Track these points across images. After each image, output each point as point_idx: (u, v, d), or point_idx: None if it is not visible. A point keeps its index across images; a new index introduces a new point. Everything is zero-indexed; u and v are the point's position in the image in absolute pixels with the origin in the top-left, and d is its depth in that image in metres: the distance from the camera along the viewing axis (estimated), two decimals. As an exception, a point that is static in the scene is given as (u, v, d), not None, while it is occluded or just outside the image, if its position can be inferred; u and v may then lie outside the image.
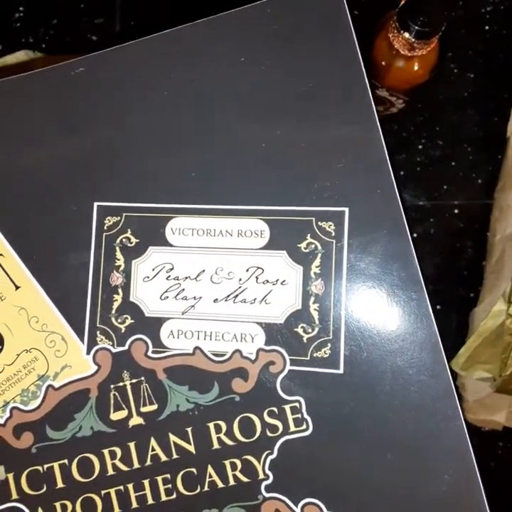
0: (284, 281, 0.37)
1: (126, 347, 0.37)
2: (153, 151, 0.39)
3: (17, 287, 0.38)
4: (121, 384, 0.37)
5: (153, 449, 0.37)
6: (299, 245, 0.37)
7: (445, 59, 0.57)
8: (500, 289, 0.50)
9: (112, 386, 0.37)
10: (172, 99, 0.39)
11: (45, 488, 0.37)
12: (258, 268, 0.37)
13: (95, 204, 0.39)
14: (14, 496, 0.37)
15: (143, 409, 0.37)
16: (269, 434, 0.36)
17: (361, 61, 0.36)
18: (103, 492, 0.37)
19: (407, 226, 0.35)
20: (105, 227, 0.38)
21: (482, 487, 0.34)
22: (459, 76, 0.58)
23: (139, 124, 0.39)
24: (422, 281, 0.34)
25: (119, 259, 0.38)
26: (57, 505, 0.36)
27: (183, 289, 0.38)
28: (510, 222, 0.51)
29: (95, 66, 0.39)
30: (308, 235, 0.37)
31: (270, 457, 0.36)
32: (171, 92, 0.39)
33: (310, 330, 0.36)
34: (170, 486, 0.36)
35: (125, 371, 0.37)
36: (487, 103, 0.57)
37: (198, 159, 0.39)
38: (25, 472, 0.37)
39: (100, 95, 0.39)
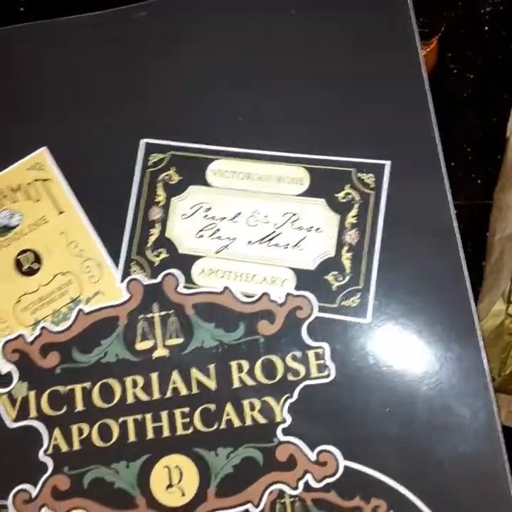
0: (319, 228, 0.36)
1: (158, 280, 0.37)
2: (203, 93, 0.39)
3: (60, 212, 0.38)
4: (149, 315, 0.36)
5: (174, 382, 0.36)
6: (337, 195, 0.36)
7: (445, 59, 0.55)
8: (500, 289, 0.48)
9: (140, 316, 0.37)
10: (225, 43, 0.38)
11: (64, 410, 0.36)
12: (294, 214, 0.36)
13: (143, 140, 0.38)
14: (33, 413, 0.36)
15: (168, 342, 0.36)
16: (290, 377, 0.35)
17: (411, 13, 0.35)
18: (121, 419, 0.36)
19: (447, 182, 0.34)
20: (150, 163, 0.38)
21: (504, 447, 0.32)
22: (458, 76, 0.56)
23: (190, 65, 0.39)
24: (458, 234, 0.33)
25: (159, 195, 0.38)
26: (75, 427, 0.36)
27: (219, 229, 0.37)
28: (509, 222, 0.50)
29: (156, 11, 0.39)
30: (348, 185, 0.36)
31: (289, 401, 0.35)
32: (222, 36, 0.38)
33: (340, 278, 0.35)
34: (187, 420, 0.35)
35: (155, 303, 0.37)
36: (487, 103, 0.56)
37: (245, 104, 0.38)
38: (47, 391, 0.36)
39: (157, 38, 0.39)
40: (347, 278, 0.36)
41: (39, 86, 0.41)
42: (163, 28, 0.41)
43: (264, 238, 0.37)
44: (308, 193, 0.37)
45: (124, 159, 0.39)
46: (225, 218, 0.38)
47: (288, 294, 0.37)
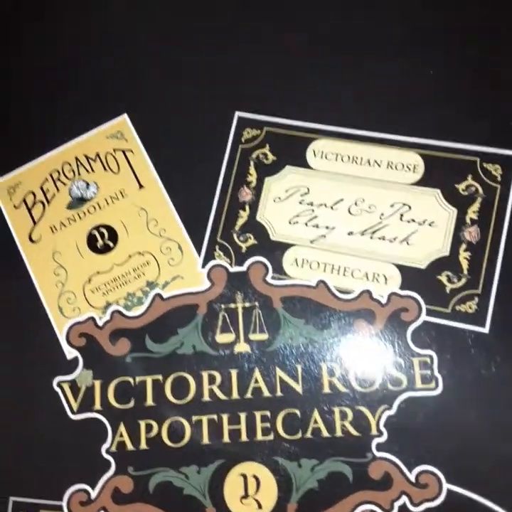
0: (433, 222, 0.31)
1: (244, 268, 0.32)
2: (306, 64, 0.34)
3: (141, 186, 0.33)
4: (232, 305, 0.32)
5: (256, 381, 0.31)
6: (456, 186, 0.31)
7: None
8: None
9: (222, 306, 0.32)
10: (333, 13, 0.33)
11: (132, 403, 0.31)
12: (405, 205, 0.31)
13: (236, 113, 0.34)
14: (97, 406, 0.32)
15: (251, 337, 0.31)
16: (390, 386, 0.30)
17: None
18: (194, 418, 0.31)
19: None
20: (243, 140, 0.33)
21: None
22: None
23: (295, 33, 0.34)
24: None
25: (251, 175, 0.33)
26: (142, 423, 0.31)
27: (316, 216, 0.32)
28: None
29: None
30: (470, 176, 0.31)
31: (387, 413, 0.30)
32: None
33: (456, 280, 0.30)
34: (268, 424, 0.31)
35: (239, 293, 0.32)
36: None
37: (352, 79, 0.34)
38: (115, 382, 0.32)
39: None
40: (463, 280, 0.31)
41: (119, 48, 0.36)
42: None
43: (367, 229, 0.32)
44: (422, 182, 0.32)
45: (214, 133, 0.35)
46: (324, 204, 0.33)
47: (392, 294, 0.32)
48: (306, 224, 0.33)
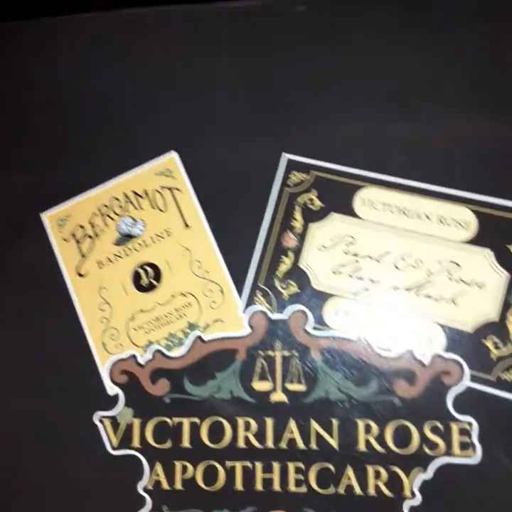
0: (483, 284, 0.29)
1: (285, 316, 0.31)
2: (358, 109, 0.32)
3: (187, 225, 0.33)
4: (271, 353, 0.31)
5: (291, 432, 0.31)
6: (508, 246, 0.29)
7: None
8: None
9: (261, 353, 0.32)
10: (387, 57, 0.31)
11: (169, 444, 0.32)
12: (454, 263, 0.30)
13: (285, 155, 0.32)
14: (136, 443, 0.32)
15: (289, 386, 0.31)
16: (426, 450, 0.29)
17: None
18: (228, 464, 0.31)
19: None
20: (290, 183, 0.32)
21: None
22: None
23: (347, 75, 0.32)
24: None
25: (296, 220, 0.32)
26: (178, 464, 0.31)
27: (361, 268, 0.31)
28: None
29: (320, 6, 0.32)
30: (524, 237, 0.29)
31: (422, 476, 0.29)
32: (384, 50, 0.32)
33: (502, 347, 0.29)
34: (302, 477, 0.30)
35: (278, 341, 0.31)
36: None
37: (406, 127, 0.32)
38: (153, 421, 0.32)
39: (317, 37, 0.33)
40: (511, 347, 0.29)
41: (169, 84, 0.36)
42: (320, 28, 0.34)
43: (413, 286, 0.31)
44: (474, 240, 0.31)
45: (262, 174, 0.34)
46: (369, 256, 0.32)
47: (435, 355, 0.31)
48: (350, 275, 0.32)
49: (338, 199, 0.33)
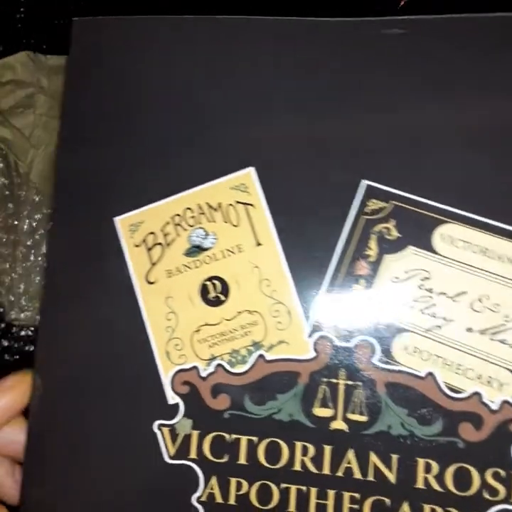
0: (562, 335, 0.27)
1: (351, 344, 0.30)
2: (444, 143, 0.31)
3: (258, 243, 0.32)
4: (334, 381, 0.31)
5: (348, 462, 0.30)
6: None
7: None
8: None
9: (324, 379, 0.31)
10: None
11: (226, 459, 0.31)
12: (533, 310, 0.28)
13: (363, 182, 0.31)
14: (193, 454, 0.32)
15: (350, 416, 0.30)
16: (485, 495, 0.29)
17: None
18: (283, 485, 0.31)
19: None
20: (367, 210, 0.31)
21: None
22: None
23: (433, 113, 0.31)
24: None
25: (371, 249, 0.31)
26: (233, 481, 0.31)
27: (434, 305, 0.30)
28: None
29: (417, 30, 0.30)
30: None
31: None
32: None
33: None
34: (357, 506, 0.30)
35: (342, 369, 0.31)
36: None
37: (494, 166, 0.30)
38: (211, 435, 0.32)
39: (412, 64, 0.31)
40: None
41: (254, 102, 0.34)
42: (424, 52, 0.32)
43: (488, 329, 0.30)
44: (558, 290, 0.29)
45: (339, 198, 0.33)
46: (444, 294, 0.31)
47: (505, 402, 0.30)
48: (423, 311, 0.31)
49: (417, 232, 0.32)
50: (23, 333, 0.48)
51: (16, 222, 0.50)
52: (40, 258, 0.50)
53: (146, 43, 0.36)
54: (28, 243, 0.50)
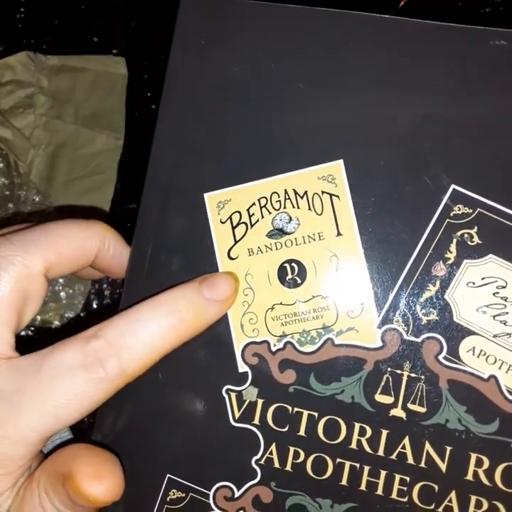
0: None
1: (419, 339, 0.28)
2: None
3: (339, 234, 0.29)
4: (398, 371, 0.29)
5: (403, 447, 0.28)
6: None
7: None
8: None
9: (388, 369, 0.29)
10: None
11: (286, 429, 0.30)
12: None
13: (452, 187, 0.28)
14: (256, 420, 0.30)
15: (409, 406, 0.28)
16: None
17: None
18: (338, 460, 0.29)
19: None
20: (452, 214, 0.28)
21: None
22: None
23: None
24: None
25: (451, 252, 0.28)
26: (291, 449, 0.30)
27: (507, 313, 0.28)
28: None
29: None
30: None
31: None
32: None
33: None
34: (405, 488, 0.28)
35: (408, 362, 0.29)
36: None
37: None
38: (275, 405, 0.30)
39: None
40: None
41: (345, 97, 0.31)
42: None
43: (558, 343, 0.27)
44: None
45: (424, 199, 0.30)
46: (518, 304, 0.28)
47: None
48: (494, 317, 0.29)
49: (499, 241, 0.29)
50: (23, 333, 0.44)
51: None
52: None
53: (248, 27, 0.33)
54: None
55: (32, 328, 0.43)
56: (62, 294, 0.43)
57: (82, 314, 0.42)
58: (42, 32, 0.48)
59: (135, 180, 0.43)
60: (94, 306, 0.42)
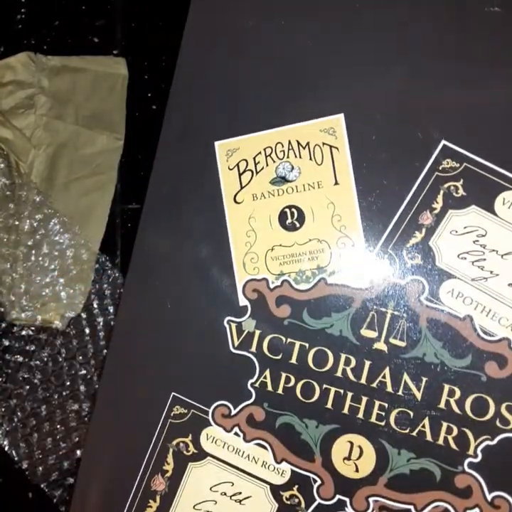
0: None
1: (404, 281, 0.29)
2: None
3: (336, 183, 0.29)
4: (383, 309, 0.29)
5: (383, 377, 0.29)
6: None
7: None
8: None
9: (374, 307, 0.29)
10: None
11: (280, 356, 0.31)
12: None
13: (442, 142, 0.28)
14: (253, 349, 0.31)
15: (391, 340, 0.29)
16: (498, 423, 0.28)
17: None
18: (324, 386, 0.30)
19: None
20: (440, 168, 0.28)
21: None
22: None
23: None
24: None
25: (438, 203, 0.28)
26: (283, 375, 0.30)
27: (485, 259, 0.28)
28: None
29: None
30: None
31: (487, 442, 0.28)
32: None
33: None
34: (383, 413, 0.29)
35: (392, 301, 0.29)
36: None
37: None
38: (271, 336, 0.31)
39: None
40: None
41: (347, 49, 0.31)
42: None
43: (529, 287, 0.27)
44: None
45: (416, 155, 0.30)
46: (495, 251, 0.28)
47: (531, 350, 0.27)
48: (473, 263, 0.29)
49: (482, 194, 0.29)
50: (23, 332, 0.41)
51: (16, 223, 0.42)
52: (40, 258, 0.43)
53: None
54: (29, 243, 0.42)
55: (32, 328, 0.41)
56: (63, 293, 0.41)
57: (82, 314, 0.41)
58: (42, 32, 0.45)
59: (135, 180, 0.40)
60: (95, 306, 0.41)
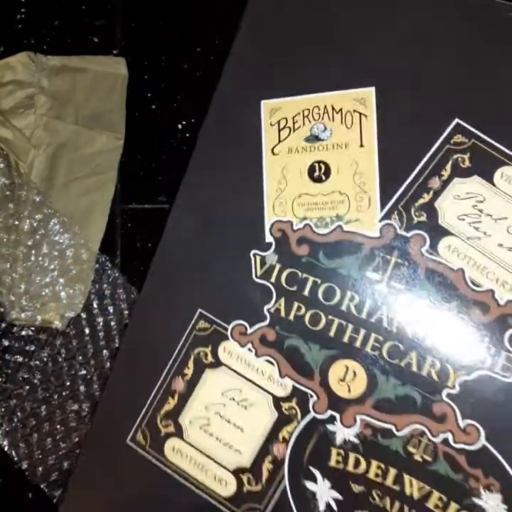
0: None
1: (409, 234, 0.32)
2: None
3: (362, 145, 0.33)
4: (388, 256, 0.32)
5: (381, 313, 0.32)
6: None
7: None
8: None
9: (381, 254, 0.32)
10: None
11: (294, 288, 0.35)
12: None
13: (456, 120, 0.31)
14: (273, 279, 0.36)
15: (392, 283, 0.33)
16: (476, 362, 0.30)
17: None
18: (329, 317, 0.34)
19: None
20: (452, 142, 0.31)
21: None
22: None
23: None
24: None
25: (446, 171, 0.33)
26: (296, 304, 0.36)
27: (480, 221, 0.31)
28: None
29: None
30: None
31: (465, 377, 0.31)
32: None
33: None
34: (378, 345, 0.33)
35: (397, 250, 0.32)
36: None
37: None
38: (289, 270, 0.35)
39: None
40: None
41: (384, 27, 0.34)
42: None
43: (515, 248, 0.31)
44: None
45: (432, 128, 0.34)
46: (490, 216, 0.32)
47: (509, 301, 0.31)
48: (470, 224, 0.32)
49: (485, 167, 0.32)
50: (23, 332, 0.40)
51: (16, 222, 0.41)
52: (40, 258, 0.41)
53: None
54: (29, 243, 0.41)
55: (32, 328, 0.40)
56: (63, 293, 0.40)
57: (82, 314, 0.40)
58: (42, 32, 0.44)
59: (135, 180, 0.40)
60: (95, 306, 0.40)
